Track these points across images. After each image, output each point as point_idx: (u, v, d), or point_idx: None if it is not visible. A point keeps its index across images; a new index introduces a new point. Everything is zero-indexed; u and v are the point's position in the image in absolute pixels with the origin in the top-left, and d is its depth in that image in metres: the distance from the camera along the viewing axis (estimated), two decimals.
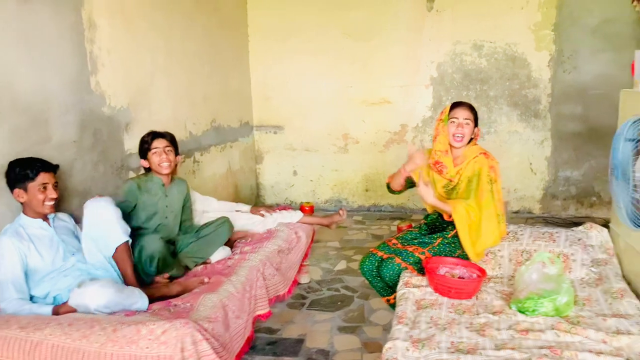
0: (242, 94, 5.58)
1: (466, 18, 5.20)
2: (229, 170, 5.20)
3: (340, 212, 3.73)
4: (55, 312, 2.27)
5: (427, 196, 2.74)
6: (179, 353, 1.94)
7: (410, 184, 3.00)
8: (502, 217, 2.79)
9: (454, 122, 2.78)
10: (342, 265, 4.16)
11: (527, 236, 2.85)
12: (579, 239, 2.81)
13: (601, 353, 1.90)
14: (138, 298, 2.38)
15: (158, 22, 3.89)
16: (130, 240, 2.64)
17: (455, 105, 2.82)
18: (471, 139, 2.84)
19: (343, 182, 5.79)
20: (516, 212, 5.43)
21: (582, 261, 2.69)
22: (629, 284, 2.62)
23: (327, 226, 3.75)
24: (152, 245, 2.73)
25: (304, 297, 3.62)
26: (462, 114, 2.77)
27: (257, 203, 5.85)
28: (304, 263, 3.77)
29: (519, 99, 5.24)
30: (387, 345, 2.03)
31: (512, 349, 1.95)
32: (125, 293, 2.35)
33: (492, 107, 5.32)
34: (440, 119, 2.85)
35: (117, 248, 2.54)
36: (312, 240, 3.69)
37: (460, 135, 2.77)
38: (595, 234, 2.92)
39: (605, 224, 3.05)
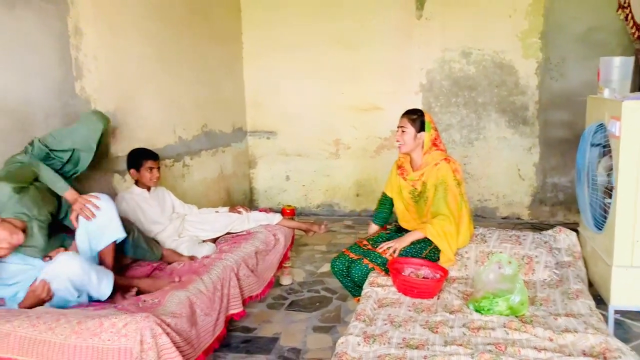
0: (235, 100, 5.69)
1: (455, 26, 5.27)
2: (221, 174, 5.30)
3: (323, 225, 3.83)
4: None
5: (402, 243, 2.84)
6: (138, 345, 2.02)
7: (391, 208, 3.25)
8: (471, 216, 2.90)
9: (397, 130, 2.90)
10: (325, 268, 4.23)
11: (495, 239, 2.92)
12: (545, 242, 2.87)
13: (544, 349, 1.96)
14: (105, 276, 2.49)
15: (147, 30, 4.01)
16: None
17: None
18: (434, 145, 2.92)
19: (335, 187, 5.87)
20: (505, 218, 5.47)
21: (545, 263, 2.74)
22: (591, 285, 2.67)
23: (305, 232, 3.84)
24: None
25: (284, 298, 3.70)
26: (399, 122, 2.92)
27: (250, 207, 5.93)
28: (286, 265, 3.86)
29: (507, 105, 5.30)
30: (340, 340, 2.10)
31: (460, 345, 2.01)
32: (95, 267, 2.46)
33: (480, 114, 5.38)
34: None
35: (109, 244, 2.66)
36: (291, 243, 3.77)
37: (397, 141, 2.92)
38: (563, 237, 2.98)
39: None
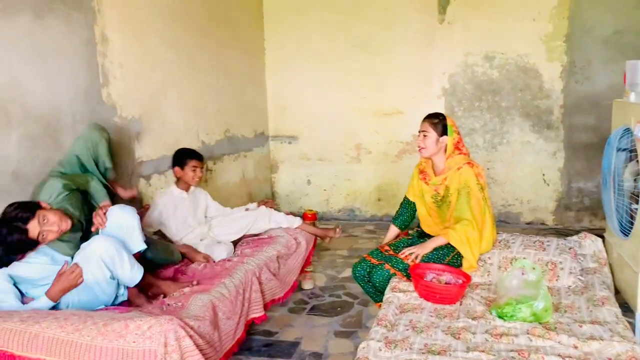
0: (258, 105, 5.74)
1: (477, 30, 5.24)
2: (243, 178, 5.35)
3: (337, 230, 3.86)
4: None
5: (425, 249, 2.83)
6: (162, 348, 2.05)
7: (412, 212, 3.21)
8: (494, 223, 2.87)
9: (419, 135, 2.88)
10: (347, 272, 4.22)
11: (518, 244, 2.88)
12: (570, 248, 2.83)
13: (569, 357, 1.93)
14: (136, 263, 2.59)
15: (171, 37, 4.08)
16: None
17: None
18: (456, 149, 2.90)
19: (356, 192, 5.87)
20: (529, 224, 5.40)
21: (570, 269, 2.70)
22: (618, 293, 2.62)
23: (322, 238, 3.87)
24: None
25: (305, 303, 3.71)
26: (421, 126, 2.89)
27: None
28: (307, 269, 3.87)
29: (531, 109, 5.24)
30: (362, 344, 2.11)
31: (482, 351, 2.00)
32: (127, 251, 2.55)
33: (504, 118, 5.33)
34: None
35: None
36: (313, 247, 3.79)
37: (419, 146, 2.90)
38: (588, 243, 2.93)
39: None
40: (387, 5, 5.43)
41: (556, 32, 5.05)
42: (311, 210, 3.91)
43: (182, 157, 3.53)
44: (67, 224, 2.48)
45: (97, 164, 2.96)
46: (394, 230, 3.25)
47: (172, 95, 4.10)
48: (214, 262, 3.24)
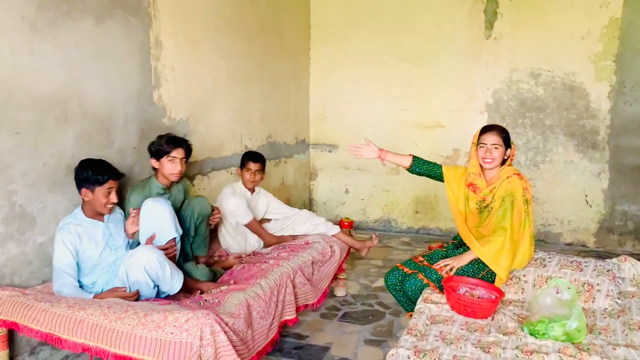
0: (300, 113, 5.84)
1: (524, 46, 5.21)
2: (282, 184, 5.45)
3: (373, 236, 3.88)
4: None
5: (461, 262, 2.83)
6: (197, 340, 2.13)
7: (431, 173, 3.09)
8: (533, 239, 2.85)
9: (482, 147, 2.85)
10: (380, 282, 4.25)
11: (555, 264, 2.85)
12: (608, 270, 2.78)
13: None
14: (177, 273, 2.68)
15: (221, 44, 4.22)
16: (179, 241, 2.91)
17: (484, 130, 2.90)
18: (505, 160, 2.90)
19: (393, 203, 5.88)
20: (569, 245, 5.30)
21: (607, 292, 2.66)
22: None
23: (358, 250, 3.88)
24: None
25: (337, 309, 3.75)
26: (490, 139, 2.84)
27: None
28: (341, 277, 3.92)
29: (576, 129, 5.16)
30: (390, 352, 2.13)
31: None
32: (169, 263, 2.64)
33: (547, 136, 5.26)
34: (473, 142, 2.94)
35: (168, 241, 2.81)
36: (346, 255, 3.83)
37: (489, 159, 2.84)
38: (628, 266, 2.87)
39: None
40: (435, 19, 5.46)
41: (606, 52, 4.96)
42: (348, 219, 3.96)
43: (243, 158, 3.78)
44: None
45: None
46: (406, 157, 3.11)
47: (219, 99, 4.24)
48: (248, 255, 3.47)
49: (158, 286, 2.66)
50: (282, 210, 3.92)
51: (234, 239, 3.63)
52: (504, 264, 2.73)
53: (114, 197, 2.71)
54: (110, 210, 2.76)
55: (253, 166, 3.73)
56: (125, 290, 2.60)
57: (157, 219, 2.80)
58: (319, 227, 3.70)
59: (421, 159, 3.10)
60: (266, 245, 3.71)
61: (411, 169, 3.11)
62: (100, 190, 2.66)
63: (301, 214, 3.80)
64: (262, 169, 3.79)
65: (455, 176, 3.04)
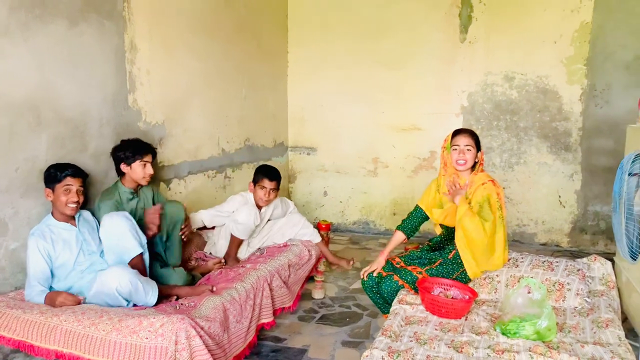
0: (279, 116, 5.85)
1: (498, 50, 5.29)
2: None
3: (351, 262, 3.91)
4: (49, 298, 2.51)
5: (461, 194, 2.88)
6: (173, 345, 2.13)
7: (420, 222, 3.20)
8: (507, 243, 2.90)
9: (455, 149, 2.90)
10: (357, 284, 4.28)
11: (527, 264, 2.92)
12: (579, 270, 2.85)
13: None
14: (150, 288, 2.61)
15: (197, 47, 4.21)
16: (145, 252, 2.81)
17: (456, 132, 2.95)
18: (476, 164, 2.95)
19: (371, 205, 5.93)
20: (543, 245, 5.39)
21: (577, 291, 2.72)
22: (626, 320, 2.63)
23: (330, 264, 3.92)
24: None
25: (315, 312, 3.77)
26: (463, 141, 2.89)
27: None
28: (319, 279, 3.94)
29: (549, 131, 5.26)
30: (365, 353, 2.16)
31: None
32: (143, 280, 2.58)
33: (522, 138, 5.35)
34: (444, 147, 2.98)
35: (132, 259, 2.72)
36: (318, 260, 3.85)
37: (462, 160, 2.90)
38: (597, 266, 2.94)
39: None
40: (410, 24, 5.51)
41: (577, 55, 5.07)
42: (325, 221, 3.98)
43: (257, 173, 3.57)
44: None
45: None
46: (399, 236, 3.20)
47: (195, 102, 4.23)
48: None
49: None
50: (300, 223, 3.75)
51: (228, 242, 3.54)
52: (470, 225, 2.76)
53: (73, 196, 2.66)
54: (75, 211, 2.71)
55: (268, 184, 3.49)
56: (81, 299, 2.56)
57: (118, 236, 2.70)
58: (304, 237, 3.72)
59: (404, 222, 3.21)
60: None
61: (408, 235, 3.20)
62: (59, 188, 2.64)
63: (293, 218, 3.75)
64: (277, 187, 3.56)
65: (427, 193, 3.16)
